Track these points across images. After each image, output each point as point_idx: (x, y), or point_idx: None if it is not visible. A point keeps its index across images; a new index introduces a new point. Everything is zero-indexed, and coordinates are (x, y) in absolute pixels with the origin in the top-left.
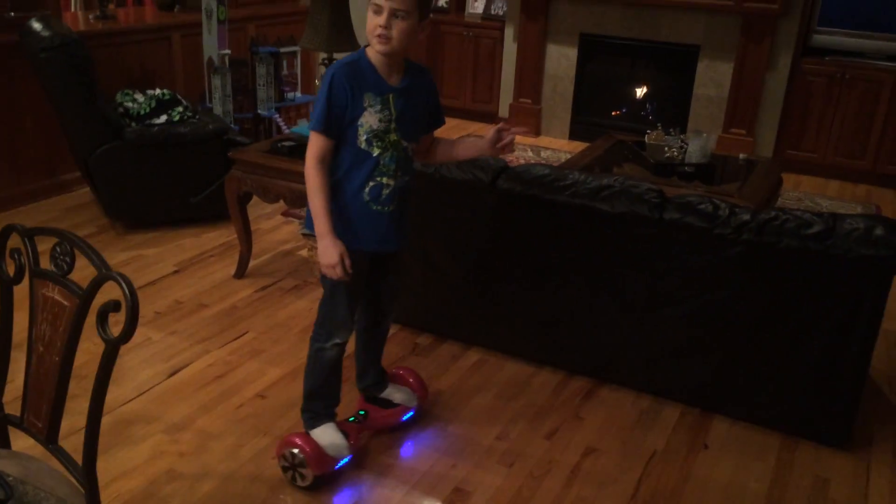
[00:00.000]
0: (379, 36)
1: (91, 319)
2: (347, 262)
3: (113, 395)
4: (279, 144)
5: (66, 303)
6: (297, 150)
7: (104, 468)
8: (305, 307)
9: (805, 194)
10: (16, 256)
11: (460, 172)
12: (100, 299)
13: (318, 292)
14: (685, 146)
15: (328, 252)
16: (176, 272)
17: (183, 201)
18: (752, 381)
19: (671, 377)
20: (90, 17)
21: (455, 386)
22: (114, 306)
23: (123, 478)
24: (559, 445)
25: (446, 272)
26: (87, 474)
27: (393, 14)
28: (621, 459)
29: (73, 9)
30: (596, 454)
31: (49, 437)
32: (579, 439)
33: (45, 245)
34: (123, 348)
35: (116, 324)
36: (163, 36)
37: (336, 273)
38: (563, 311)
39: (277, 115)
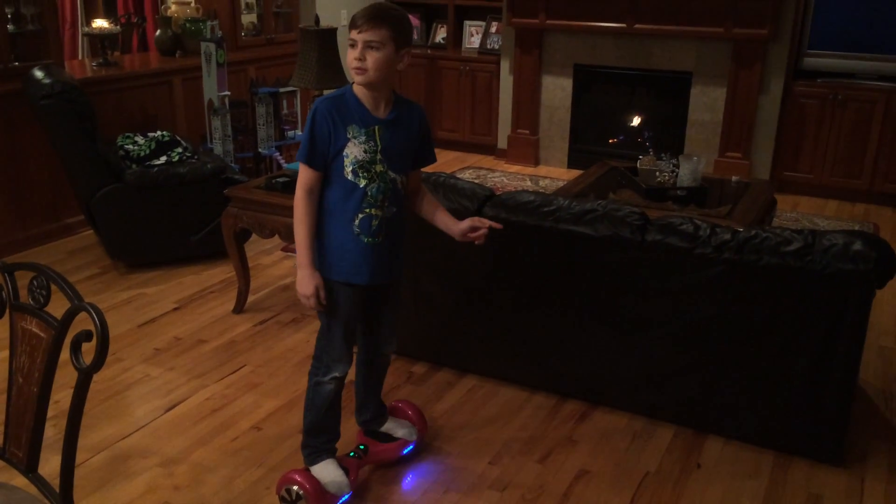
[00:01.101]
0: (356, 68)
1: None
2: (322, 294)
3: (110, 431)
4: (273, 181)
5: (42, 334)
6: (291, 185)
7: (100, 503)
8: (303, 339)
9: (802, 215)
10: None
11: (446, 202)
12: (79, 328)
13: (316, 325)
14: (676, 170)
15: (305, 283)
16: (176, 309)
17: (183, 240)
18: (742, 398)
19: (663, 398)
20: (93, 64)
21: (449, 413)
22: (86, 336)
23: None
24: (552, 469)
25: (438, 301)
26: (64, 500)
27: (367, 46)
28: (614, 481)
29: (80, 56)
30: (588, 476)
31: (29, 467)
32: (572, 462)
33: (26, 279)
34: (122, 385)
35: (91, 352)
36: (164, 80)
37: (310, 304)
38: (553, 336)
39: (278, 154)
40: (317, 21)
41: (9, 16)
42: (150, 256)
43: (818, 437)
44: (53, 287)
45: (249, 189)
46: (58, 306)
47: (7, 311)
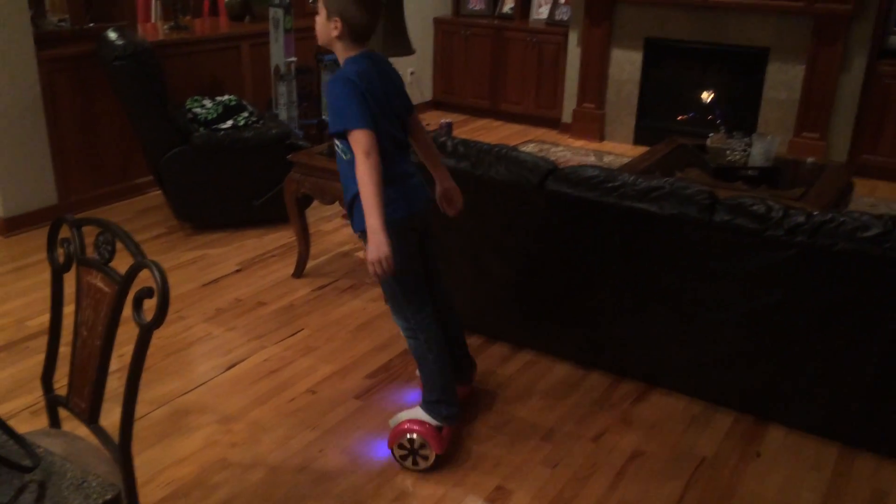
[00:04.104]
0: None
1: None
2: (391, 262)
3: (172, 386)
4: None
5: (106, 289)
6: None
7: (159, 456)
8: (360, 307)
9: (881, 200)
10: (65, 245)
11: (508, 174)
12: (142, 285)
13: (373, 292)
14: (748, 149)
15: (383, 246)
16: (238, 271)
17: (247, 204)
18: (808, 387)
19: (723, 382)
20: (165, 27)
21: (504, 387)
22: (147, 293)
23: (177, 465)
24: (605, 448)
25: (496, 274)
26: (122, 452)
27: (316, 10)
28: (669, 465)
29: (153, 20)
30: (642, 458)
31: (91, 418)
32: (626, 443)
33: (93, 236)
34: (185, 342)
35: (153, 309)
36: (232, 45)
37: (382, 268)
38: (612, 314)
39: None
40: None
41: None
42: (215, 219)
43: (887, 430)
44: (119, 244)
45: (312, 155)
46: (123, 263)
47: (74, 265)
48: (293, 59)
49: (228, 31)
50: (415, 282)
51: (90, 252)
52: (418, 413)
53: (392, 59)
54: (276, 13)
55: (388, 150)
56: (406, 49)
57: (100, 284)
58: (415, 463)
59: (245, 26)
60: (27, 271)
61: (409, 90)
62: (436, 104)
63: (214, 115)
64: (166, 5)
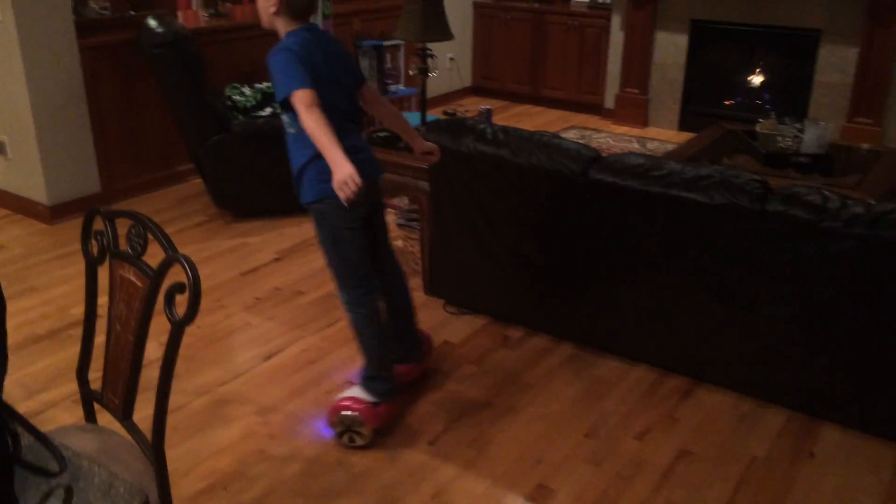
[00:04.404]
0: None
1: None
2: (358, 180)
3: (211, 376)
4: (374, 135)
5: (139, 283)
6: (392, 140)
7: (198, 447)
8: None
9: None
10: (99, 238)
11: (549, 162)
12: (175, 279)
13: (413, 281)
14: (800, 136)
15: (346, 167)
16: (276, 260)
17: (286, 191)
18: (866, 386)
19: (775, 379)
20: (204, 14)
21: (545, 380)
22: (180, 288)
23: (216, 456)
24: (651, 446)
25: (536, 264)
26: (155, 452)
27: None
28: (717, 464)
29: (193, 6)
30: (690, 458)
31: (124, 413)
32: (673, 441)
33: (126, 227)
34: (224, 331)
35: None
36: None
37: (350, 188)
38: (658, 306)
39: None
40: None
41: None
42: (254, 206)
43: None
44: (151, 237)
45: None
46: (157, 256)
47: (107, 258)
48: None
49: None
50: (357, 257)
51: (123, 245)
52: (355, 391)
53: (432, 45)
54: None
55: (333, 122)
56: (445, 34)
57: (132, 279)
58: (351, 440)
59: None
60: (71, 259)
61: (448, 76)
62: (475, 90)
63: (253, 103)
64: None
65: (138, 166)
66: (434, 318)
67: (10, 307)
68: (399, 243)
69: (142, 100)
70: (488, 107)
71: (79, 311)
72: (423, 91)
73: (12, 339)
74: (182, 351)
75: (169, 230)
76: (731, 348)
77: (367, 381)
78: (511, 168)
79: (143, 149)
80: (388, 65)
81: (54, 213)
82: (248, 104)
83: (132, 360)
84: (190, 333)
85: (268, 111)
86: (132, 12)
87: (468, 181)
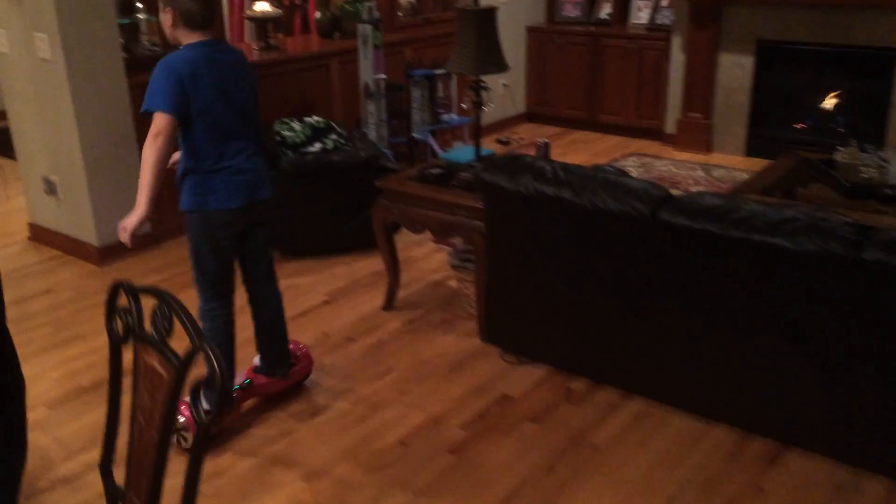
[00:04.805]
0: None
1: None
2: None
3: (258, 434)
4: (426, 172)
5: (163, 373)
6: (445, 177)
7: None
8: (453, 343)
9: None
10: (124, 315)
11: (615, 202)
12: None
13: (467, 326)
14: (885, 165)
15: (132, 220)
16: (326, 302)
17: (336, 229)
18: None
19: (876, 446)
20: (255, 47)
21: (613, 441)
22: (206, 383)
23: None
24: None
25: (601, 311)
26: None
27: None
28: None
29: (246, 39)
30: None
31: None
32: None
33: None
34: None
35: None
36: (321, 63)
37: (123, 235)
38: (738, 361)
39: (432, 138)
40: (476, 0)
41: None
42: (304, 245)
43: None
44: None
45: (401, 181)
46: (185, 338)
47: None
48: (382, 76)
49: (317, 50)
50: (217, 273)
51: (149, 324)
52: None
53: (486, 77)
54: (364, 29)
55: (215, 141)
56: (500, 66)
57: (156, 366)
58: (178, 442)
59: (334, 43)
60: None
61: (501, 103)
62: (529, 116)
63: (303, 138)
64: (258, 25)
65: None
66: (491, 367)
67: (56, 356)
68: (453, 284)
69: None
70: (545, 140)
71: (127, 359)
72: (478, 125)
73: (56, 391)
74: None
75: None
76: (823, 409)
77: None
78: (573, 209)
79: None
80: (441, 94)
81: (103, 255)
82: (298, 140)
83: (157, 460)
84: (209, 442)
85: (317, 146)
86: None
87: (527, 222)
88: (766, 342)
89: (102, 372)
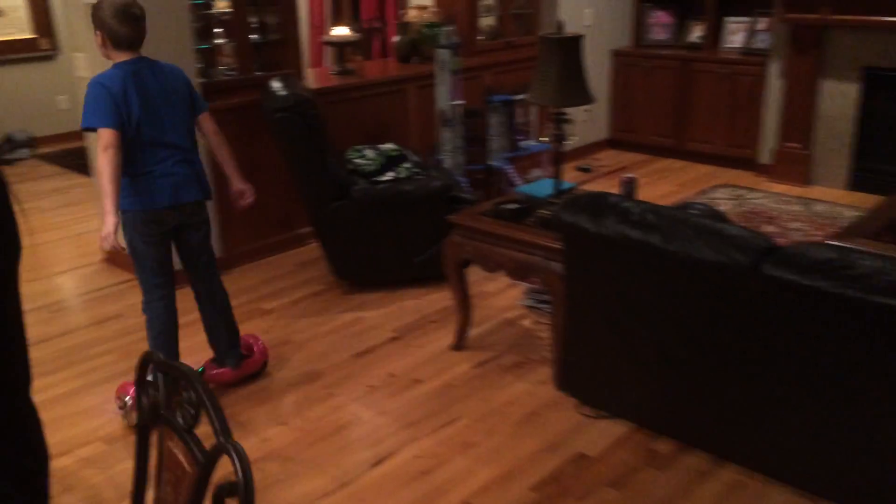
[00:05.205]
0: None
1: None
2: (109, 244)
3: (314, 484)
4: (502, 207)
5: (187, 467)
6: (521, 213)
7: None
8: (525, 391)
9: None
10: (151, 391)
11: (711, 252)
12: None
13: (541, 372)
14: None
15: (107, 227)
16: (394, 339)
17: (407, 261)
18: None
19: None
20: (331, 72)
21: None
22: (230, 490)
23: None
24: None
25: (691, 368)
26: None
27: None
28: None
29: (325, 63)
30: None
31: None
32: None
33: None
34: (331, 426)
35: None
36: (397, 89)
37: (106, 245)
38: (852, 432)
39: (510, 167)
40: (559, 26)
41: (254, 26)
42: (373, 276)
43: None
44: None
45: (475, 216)
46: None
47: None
48: (460, 101)
49: (394, 74)
50: (151, 267)
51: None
52: None
53: (567, 109)
54: (441, 54)
55: (140, 149)
56: (584, 98)
57: (181, 457)
58: (124, 416)
59: (412, 68)
60: (182, 332)
61: (582, 128)
62: (612, 143)
63: (376, 167)
64: (336, 49)
65: (259, 230)
66: (566, 420)
67: (116, 386)
68: (527, 323)
69: (263, 161)
70: (631, 175)
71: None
72: (558, 159)
73: (114, 425)
74: (283, 450)
75: (285, 300)
76: None
77: None
78: (662, 256)
79: (264, 212)
80: (520, 120)
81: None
82: (370, 168)
83: None
84: (295, 427)
85: (390, 175)
86: (259, 73)
87: (609, 267)
88: (884, 415)
89: None
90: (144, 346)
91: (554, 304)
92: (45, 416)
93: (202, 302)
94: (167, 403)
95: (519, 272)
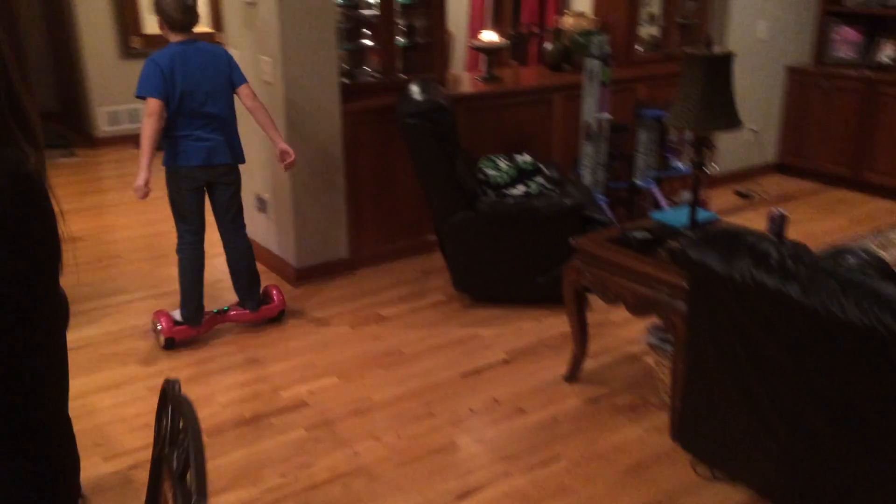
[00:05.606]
0: None
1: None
2: (141, 193)
3: None
4: (629, 234)
5: None
6: (652, 244)
7: None
8: (637, 437)
9: None
10: (164, 421)
11: (859, 312)
12: None
13: (656, 419)
14: None
15: (139, 179)
16: (505, 362)
17: (530, 279)
18: None
19: None
20: (477, 78)
21: None
22: None
23: None
24: None
25: (826, 440)
26: None
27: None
28: None
29: (480, 67)
30: None
31: None
32: None
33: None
34: (424, 448)
35: None
36: (542, 98)
37: (138, 194)
38: None
39: (656, 187)
40: (707, 43)
41: (403, 28)
42: (494, 292)
43: None
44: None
45: (599, 242)
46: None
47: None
48: (606, 115)
49: (539, 83)
50: (183, 215)
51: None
52: (174, 311)
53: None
54: (591, 64)
55: (181, 117)
56: (729, 122)
57: (170, 501)
58: (154, 337)
59: (559, 77)
60: (300, 330)
61: (746, 149)
62: (779, 168)
63: (507, 179)
64: (484, 54)
65: (387, 234)
66: (678, 477)
67: (230, 378)
68: (650, 361)
69: (397, 165)
70: (781, 211)
71: (290, 394)
72: (696, 188)
73: (218, 418)
74: (372, 467)
75: (403, 307)
76: None
77: (180, 306)
78: (799, 310)
79: (393, 216)
80: (672, 137)
81: (299, 276)
82: (501, 180)
83: None
84: (388, 444)
85: (520, 189)
86: (402, 75)
87: (737, 314)
88: None
89: (265, 404)
90: (261, 341)
91: (675, 346)
92: (155, 401)
93: (228, 250)
94: (171, 440)
95: (639, 308)
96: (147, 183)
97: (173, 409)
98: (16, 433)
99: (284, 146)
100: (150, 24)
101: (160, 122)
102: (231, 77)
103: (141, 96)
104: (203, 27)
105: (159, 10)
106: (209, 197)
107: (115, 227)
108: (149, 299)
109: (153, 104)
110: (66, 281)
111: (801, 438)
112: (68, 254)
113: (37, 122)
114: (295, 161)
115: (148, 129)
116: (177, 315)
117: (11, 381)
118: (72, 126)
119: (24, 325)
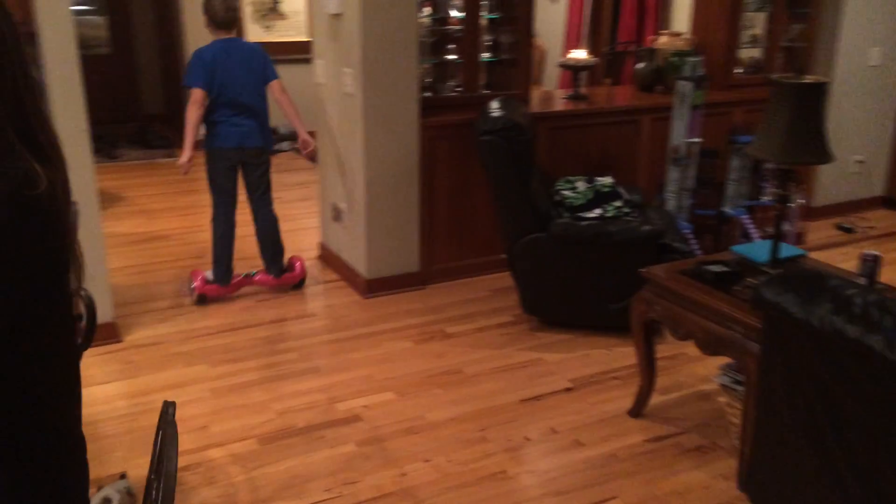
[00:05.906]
0: None
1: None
2: (184, 169)
3: None
4: (705, 268)
5: None
6: (729, 278)
7: None
8: (700, 483)
9: None
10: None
11: (892, 354)
12: None
13: (724, 465)
14: None
15: (182, 157)
16: (568, 390)
17: (601, 306)
18: None
19: None
20: (563, 96)
21: None
22: None
23: None
24: None
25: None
26: None
27: None
28: None
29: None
30: None
31: None
32: None
33: None
34: (473, 475)
35: None
36: (630, 119)
37: (182, 170)
38: None
39: (747, 216)
40: (799, 71)
41: (487, 44)
42: (563, 316)
43: None
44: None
45: (672, 273)
46: None
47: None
48: (697, 139)
49: (627, 104)
50: (218, 188)
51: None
52: (207, 272)
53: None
54: (682, 86)
55: (220, 105)
56: (819, 156)
57: None
58: (190, 294)
59: (648, 98)
60: (363, 342)
61: (852, 181)
62: (887, 202)
63: (583, 202)
64: (572, 72)
65: (459, 250)
66: None
67: (288, 386)
68: (722, 401)
69: (473, 181)
70: (876, 253)
71: (345, 407)
72: (778, 221)
73: (272, 425)
74: (417, 490)
75: (469, 326)
76: None
77: (213, 266)
78: (881, 365)
79: (467, 232)
80: (769, 164)
81: (369, 287)
82: (577, 202)
83: None
84: (437, 466)
85: (596, 212)
86: (485, 91)
87: (813, 362)
88: None
89: (319, 415)
90: (324, 350)
91: (747, 389)
92: (215, 403)
93: (257, 222)
94: (157, 468)
95: (710, 346)
96: (190, 160)
97: (163, 435)
98: (16, 443)
99: (306, 136)
100: (254, 31)
101: (202, 108)
102: (265, 72)
103: (188, 85)
104: (300, 35)
105: (205, 9)
106: (242, 176)
107: (203, 227)
108: (222, 302)
109: (197, 93)
110: (146, 278)
111: (875, 499)
112: (153, 252)
113: (53, 140)
114: (315, 150)
115: (192, 115)
116: (209, 275)
117: (11, 393)
118: (176, 128)
119: (14, 338)
